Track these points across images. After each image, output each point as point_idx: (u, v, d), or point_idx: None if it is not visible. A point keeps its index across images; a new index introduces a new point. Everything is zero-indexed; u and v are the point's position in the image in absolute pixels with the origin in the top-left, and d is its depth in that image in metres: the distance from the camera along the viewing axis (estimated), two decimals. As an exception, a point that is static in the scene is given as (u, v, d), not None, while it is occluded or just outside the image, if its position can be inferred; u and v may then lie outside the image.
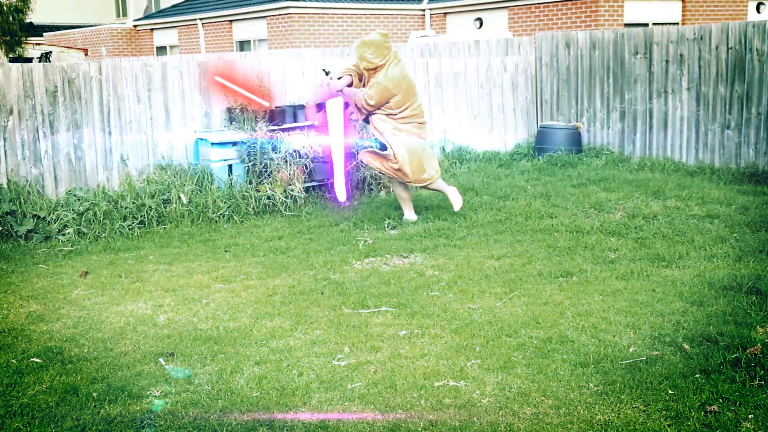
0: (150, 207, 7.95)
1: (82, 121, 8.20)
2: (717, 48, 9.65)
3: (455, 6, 21.80)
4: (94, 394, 4.02)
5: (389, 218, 7.88)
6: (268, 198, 8.48)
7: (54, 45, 25.18)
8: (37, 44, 23.87)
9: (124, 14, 33.70)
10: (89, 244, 7.31)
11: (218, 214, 8.11)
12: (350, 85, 7.67)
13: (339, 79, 7.64)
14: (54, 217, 7.57)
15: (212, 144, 8.44)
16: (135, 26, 27.83)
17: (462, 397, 3.91)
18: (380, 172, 7.83)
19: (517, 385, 4.02)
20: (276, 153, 8.65)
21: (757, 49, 9.25)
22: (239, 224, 8.03)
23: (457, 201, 7.75)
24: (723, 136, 9.71)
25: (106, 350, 4.66)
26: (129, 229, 7.69)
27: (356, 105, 7.62)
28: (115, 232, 7.58)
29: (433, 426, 3.64)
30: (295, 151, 8.78)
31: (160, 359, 4.49)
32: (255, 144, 8.55)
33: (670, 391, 3.85)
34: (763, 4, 21.15)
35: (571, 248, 6.62)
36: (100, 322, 5.17)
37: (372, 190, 9.29)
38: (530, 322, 4.92)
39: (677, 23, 19.59)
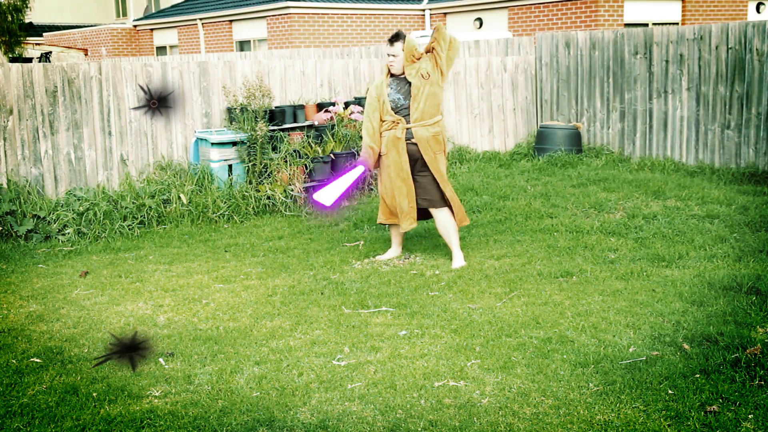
0: (150, 207, 7.95)
1: (82, 121, 8.20)
2: (717, 48, 9.65)
3: (455, 6, 21.80)
4: (94, 394, 4.02)
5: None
6: (268, 198, 8.48)
7: (54, 45, 25.18)
8: (36, 44, 23.87)
9: (124, 14, 33.70)
10: (89, 244, 7.31)
11: (218, 214, 8.11)
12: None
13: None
14: (54, 217, 7.56)
15: (212, 144, 8.44)
16: (135, 26, 27.83)
17: (462, 397, 3.91)
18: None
19: (517, 385, 4.02)
20: (276, 153, 8.65)
21: (757, 49, 9.25)
22: (239, 224, 8.03)
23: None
24: (723, 136, 9.71)
25: (106, 350, 4.66)
26: (129, 229, 7.69)
27: None
28: (115, 232, 7.58)
29: (433, 426, 3.63)
30: (294, 151, 8.78)
31: (160, 359, 4.49)
32: (255, 143, 8.55)
33: (670, 391, 3.85)
34: (763, 4, 21.15)
35: (571, 248, 6.62)
36: (100, 322, 5.17)
37: (372, 190, 9.28)
38: (530, 322, 4.92)
39: (677, 23, 19.59)
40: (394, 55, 6.26)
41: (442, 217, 6.43)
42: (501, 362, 4.31)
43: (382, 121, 6.39)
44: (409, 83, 6.27)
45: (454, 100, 11.06)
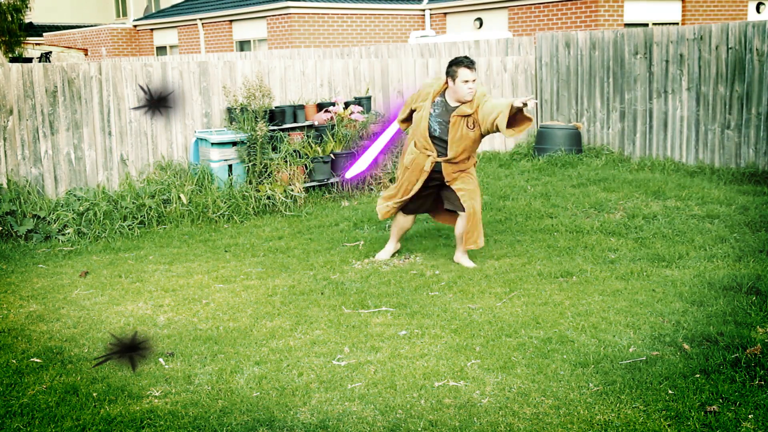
0: (150, 207, 7.95)
1: (82, 121, 8.20)
2: (717, 48, 9.65)
3: (455, 6, 21.80)
4: (94, 394, 4.02)
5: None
6: (268, 198, 8.48)
7: (54, 45, 25.18)
8: (36, 44, 23.88)
9: (124, 14, 33.70)
10: (89, 244, 7.31)
11: (218, 214, 8.11)
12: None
13: None
14: (54, 217, 7.56)
15: (212, 144, 8.44)
16: (135, 26, 27.83)
17: (462, 397, 3.91)
18: None
19: (517, 385, 4.02)
20: (276, 153, 8.65)
21: (757, 49, 9.25)
22: (239, 224, 8.03)
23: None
24: (723, 136, 9.71)
25: (106, 350, 4.66)
26: (129, 229, 7.69)
27: None
28: (115, 232, 7.58)
29: (433, 426, 3.63)
30: (294, 151, 8.78)
31: (160, 359, 4.49)
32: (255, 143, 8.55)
33: (670, 391, 3.85)
34: (763, 4, 21.15)
35: (571, 248, 6.62)
36: (100, 322, 5.17)
37: (372, 190, 9.29)
38: (530, 322, 4.92)
39: (677, 23, 19.59)
40: (474, 80, 5.86)
41: (462, 223, 6.29)
42: (501, 362, 4.31)
43: (409, 117, 6.39)
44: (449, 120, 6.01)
45: (454, 100, 11.05)
